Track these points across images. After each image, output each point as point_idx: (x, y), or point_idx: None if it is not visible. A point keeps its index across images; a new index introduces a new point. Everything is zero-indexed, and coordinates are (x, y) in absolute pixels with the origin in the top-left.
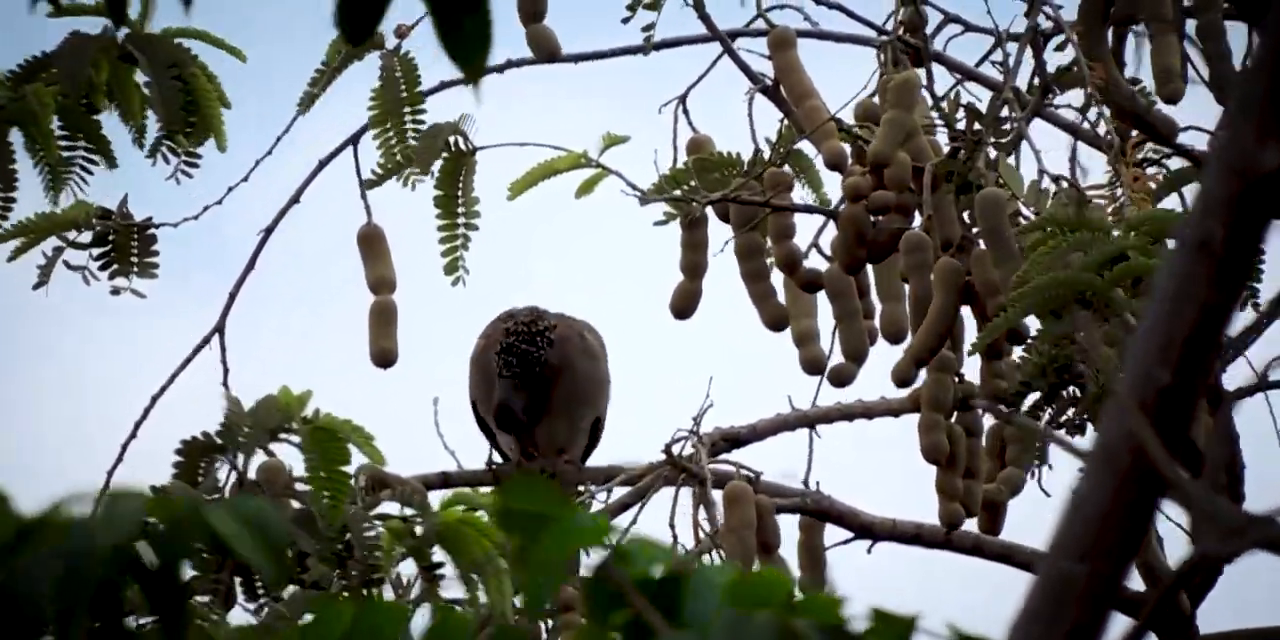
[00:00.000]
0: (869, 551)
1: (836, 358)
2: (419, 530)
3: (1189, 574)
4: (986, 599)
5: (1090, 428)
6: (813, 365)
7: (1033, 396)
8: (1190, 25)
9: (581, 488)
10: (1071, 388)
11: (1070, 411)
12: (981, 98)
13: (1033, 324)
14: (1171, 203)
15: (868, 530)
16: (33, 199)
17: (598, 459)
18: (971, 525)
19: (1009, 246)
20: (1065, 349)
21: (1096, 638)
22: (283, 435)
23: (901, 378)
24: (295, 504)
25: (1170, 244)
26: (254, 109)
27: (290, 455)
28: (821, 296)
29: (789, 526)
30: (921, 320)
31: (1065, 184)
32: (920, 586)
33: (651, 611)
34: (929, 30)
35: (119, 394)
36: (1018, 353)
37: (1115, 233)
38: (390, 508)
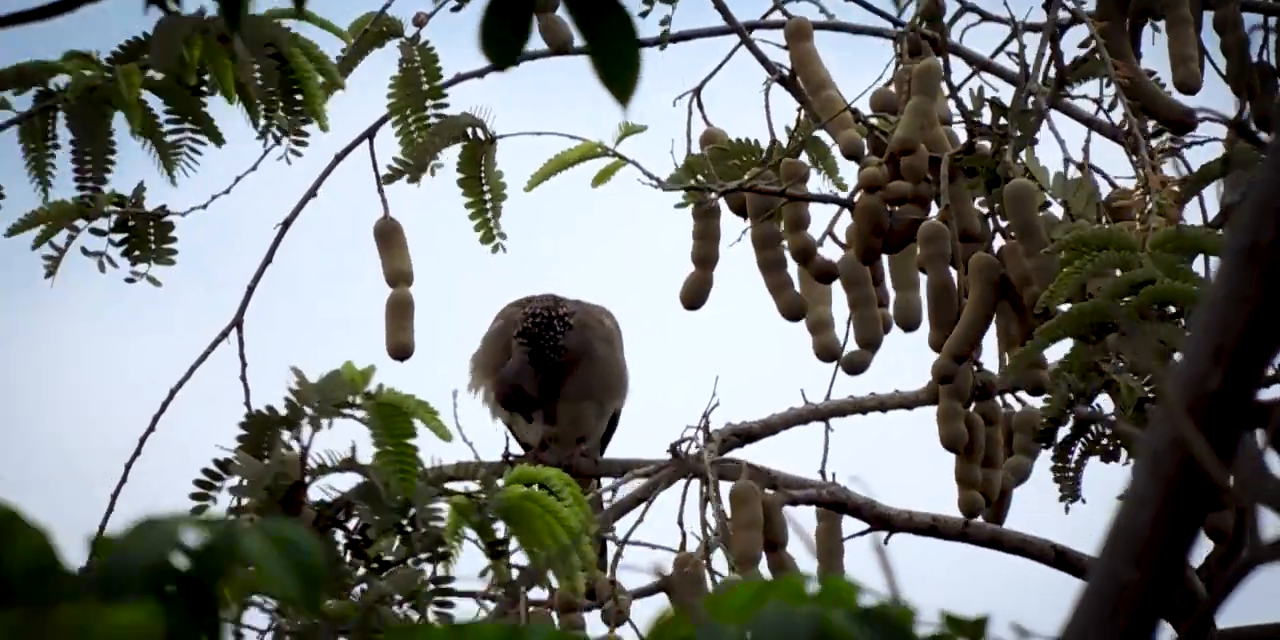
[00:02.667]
0: (885, 543)
1: (850, 346)
2: (483, 506)
3: (1237, 579)
4: (1004, 591)
5: (1124, 454)
6: (827, 352)
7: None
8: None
9: (594, 483)
10: (1097, 425)
11: (1103, 442)
12: (997, 88)
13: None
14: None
15: (884, 521)
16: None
17: (611, 451)
18: (987, 516)
19: (1040, 238)
20: (1091, 379)
21: None
22: (347, 410)
23: (942, 373)
24: (358, 477)
25: (1198, 261)
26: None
27: (353, 431)
28: (836, 284)
29: (807, 517)
30: (939, 311)
31: (1091, 172)
32: (938, 578)
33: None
34: (945, 20)
35: (135, 387)
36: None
37: (1142, 253)
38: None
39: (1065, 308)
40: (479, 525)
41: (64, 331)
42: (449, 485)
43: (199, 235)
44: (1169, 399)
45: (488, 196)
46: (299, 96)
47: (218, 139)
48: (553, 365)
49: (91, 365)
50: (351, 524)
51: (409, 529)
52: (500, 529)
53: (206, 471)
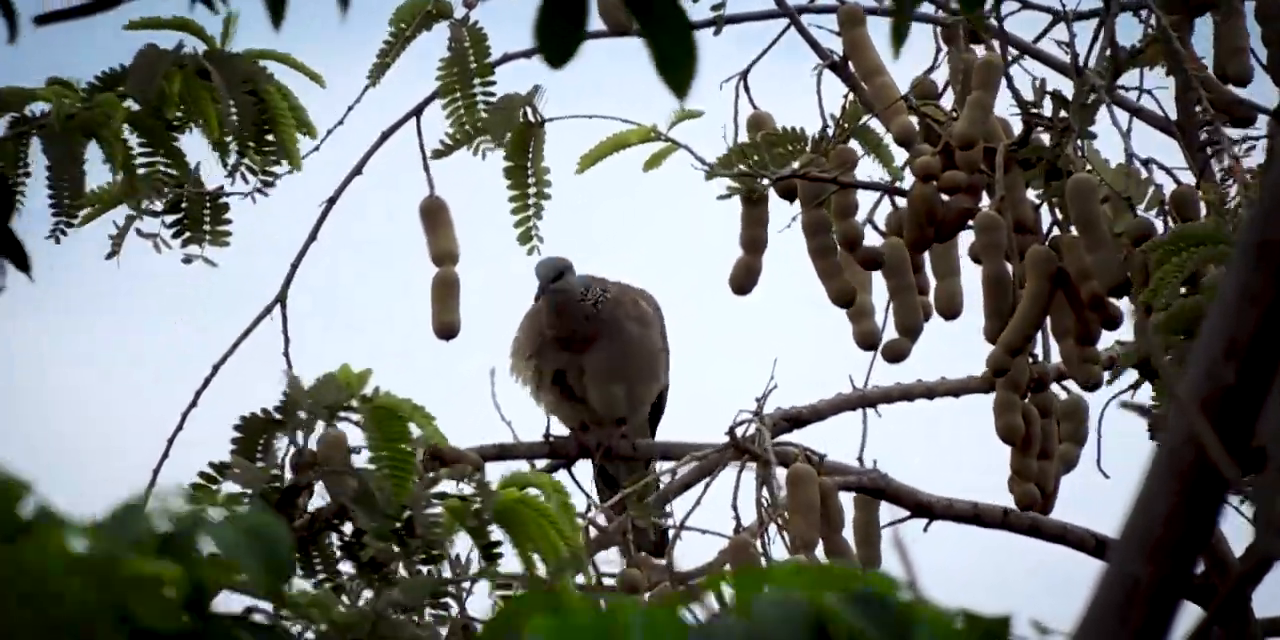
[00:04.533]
0: (925, 530)
1: (891, 334)
2: (477, 509)
3: (1255, 571)
4: (1044, 579)
5: None
6: (866, 340)
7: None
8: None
9: (646, 467)
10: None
11: None
12: (1035, 78)
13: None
14: None
15: (925, 509)
16: None
17: (659, 434)
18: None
19: (1101, 232)
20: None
21: (1164, 637)
22: (342, 413)
23: (998, 366)
24: (352, 481)
25: None
26: (330, 83)
27: (350, 434)
28: (876, 272)
29: (847, 504)
30: (994, 301)
31: (1155, 168)
32: (977, 566)
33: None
34: (987, 6)
35: (180, 362)
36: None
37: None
38: (446, 486)
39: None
40: (474, 529)
41: (109, 309)
42: (443, 487)
43: (244, 212)
44: (1183, 395)
45: (532, 190)
46: (270, 137)
47: (185, 174)
48: (580, 330)
49: (137, 342)
50: (347, 527)
51: (403, 533)
52: (495, 532)
53: (203, 475)
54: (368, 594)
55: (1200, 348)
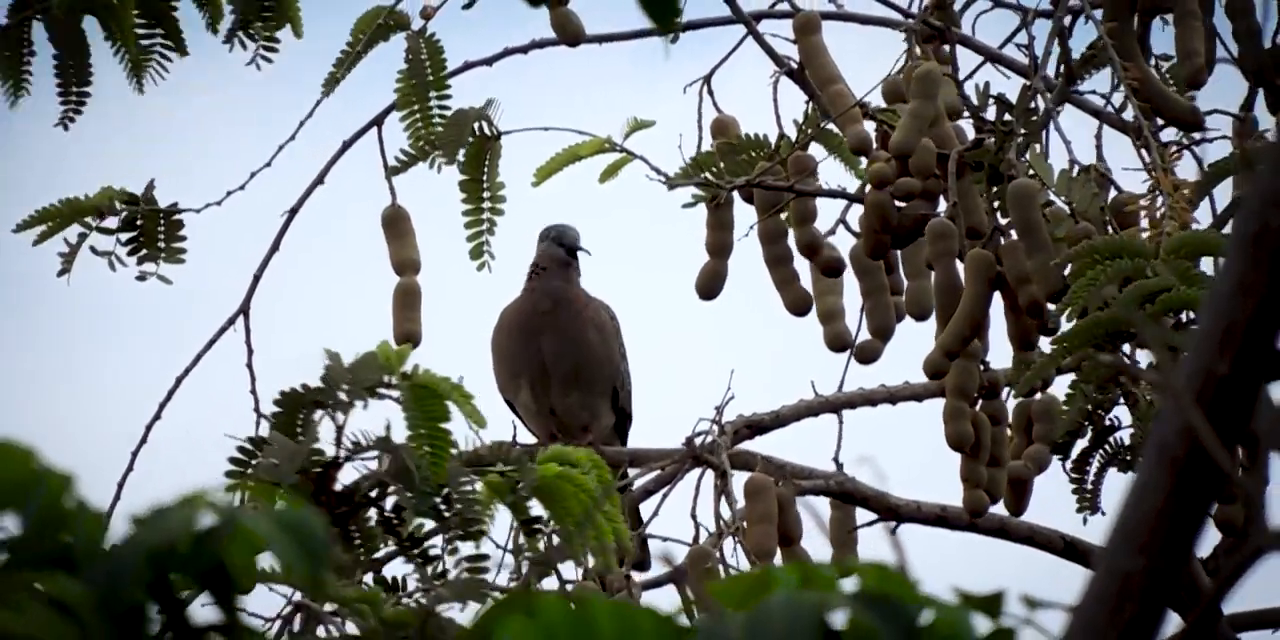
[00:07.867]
0: (893, 533)
1: (863, 335)
2: (517, 485)
3: (1243, 568)
4: (1013, 580)
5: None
6: (838, 342)
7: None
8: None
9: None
10: (1116, 435)
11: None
12: (1008, 77)
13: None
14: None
15: (893, 512)
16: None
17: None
18: (997, 507)
19: (1041, 237)
20: (1109, 391)
21: (1154, 631)
22: (381, 391)
23: (934, 369)
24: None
25: (1208, 266)
26: (280, 94)
27: (389, 411)
28: (849, 272)
29: (819, 508)
30: (946, 308)
31: (1095, 174)
32: (945, 569)
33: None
34: (957, 6)
35: (143, 375)
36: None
37: (1155, 260)
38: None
39: (1066, 320)
40: (513, 504)
41: (73, 323)
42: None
43: (206, 223)
44: (1177, 387)
45: (486, 205)
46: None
47: (182, 49)
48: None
49: (100, 354)
50: (386, 503)
51: (443, 509)
52: (534, 507)
53: (241, 449)
54: (414, 583)
55: (1195, 338)
